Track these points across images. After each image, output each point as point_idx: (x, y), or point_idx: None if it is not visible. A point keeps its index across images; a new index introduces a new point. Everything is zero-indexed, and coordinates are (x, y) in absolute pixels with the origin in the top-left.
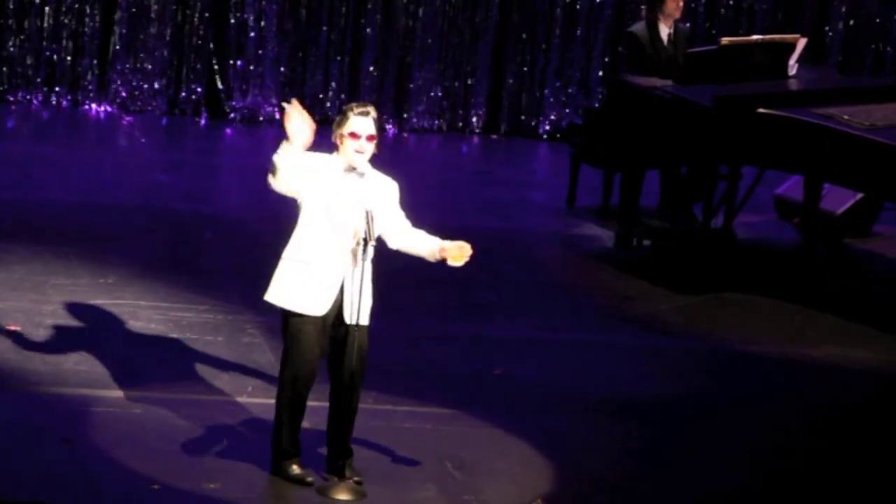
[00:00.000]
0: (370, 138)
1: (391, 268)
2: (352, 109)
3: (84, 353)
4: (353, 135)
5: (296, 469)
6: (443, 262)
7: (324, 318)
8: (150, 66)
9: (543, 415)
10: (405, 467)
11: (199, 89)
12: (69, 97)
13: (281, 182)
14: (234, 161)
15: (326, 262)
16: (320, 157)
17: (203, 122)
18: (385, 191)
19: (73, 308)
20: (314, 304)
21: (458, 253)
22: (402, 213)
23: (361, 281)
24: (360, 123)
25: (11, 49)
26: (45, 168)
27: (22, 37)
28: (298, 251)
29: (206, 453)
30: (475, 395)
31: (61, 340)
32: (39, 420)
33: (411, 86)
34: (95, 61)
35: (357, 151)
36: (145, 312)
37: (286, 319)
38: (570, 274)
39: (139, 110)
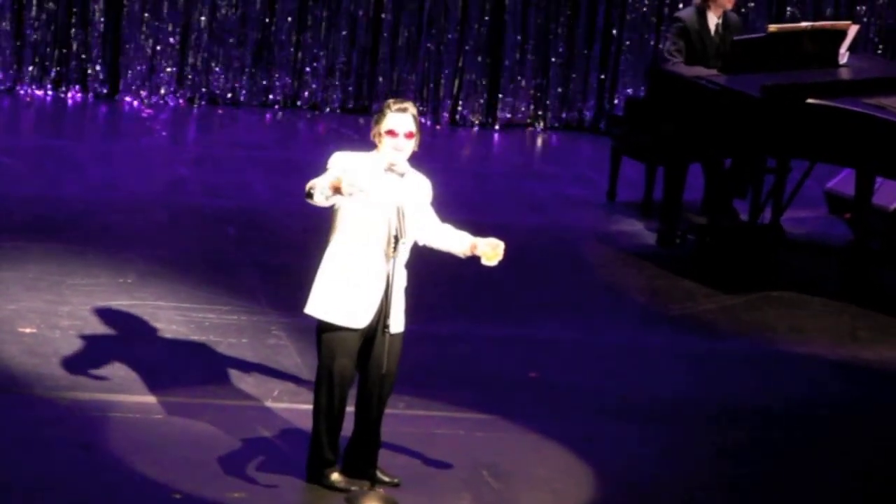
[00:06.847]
0: (409, 135)
1: (424, 266)
2: (389, 107)
3: (102, 356)
4: (391, 132)
5: (336, 477)
6: (475, 259)
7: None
8: (162, 54)
9: (584, 420)
10: (439, 475)
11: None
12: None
13: (320, 204)
14: (259, 153)
15: (366, 270)
16: (358, 158)
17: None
18: (420, 191)
19: (91, 309)
20: (356, 317)
21: (491, 252)
22: (431, 210)
23: (394, 283)
24: (398, 120)
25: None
26: (61, 162)
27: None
28: (337, 260)
29: (231, 460)
30: (512, 399)
31: (78, 343)
32: (55, 426)
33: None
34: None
35: (395, 149)
36: (166, 313)
37: (323, 328)
38: (610, 272)
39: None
